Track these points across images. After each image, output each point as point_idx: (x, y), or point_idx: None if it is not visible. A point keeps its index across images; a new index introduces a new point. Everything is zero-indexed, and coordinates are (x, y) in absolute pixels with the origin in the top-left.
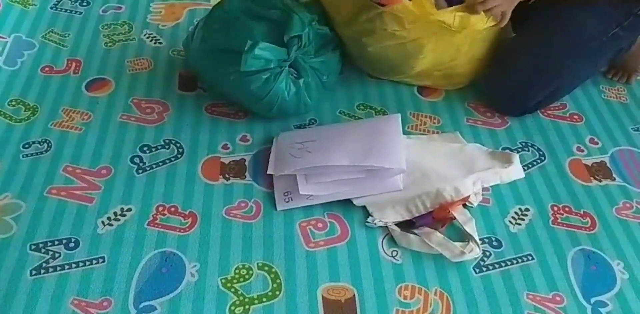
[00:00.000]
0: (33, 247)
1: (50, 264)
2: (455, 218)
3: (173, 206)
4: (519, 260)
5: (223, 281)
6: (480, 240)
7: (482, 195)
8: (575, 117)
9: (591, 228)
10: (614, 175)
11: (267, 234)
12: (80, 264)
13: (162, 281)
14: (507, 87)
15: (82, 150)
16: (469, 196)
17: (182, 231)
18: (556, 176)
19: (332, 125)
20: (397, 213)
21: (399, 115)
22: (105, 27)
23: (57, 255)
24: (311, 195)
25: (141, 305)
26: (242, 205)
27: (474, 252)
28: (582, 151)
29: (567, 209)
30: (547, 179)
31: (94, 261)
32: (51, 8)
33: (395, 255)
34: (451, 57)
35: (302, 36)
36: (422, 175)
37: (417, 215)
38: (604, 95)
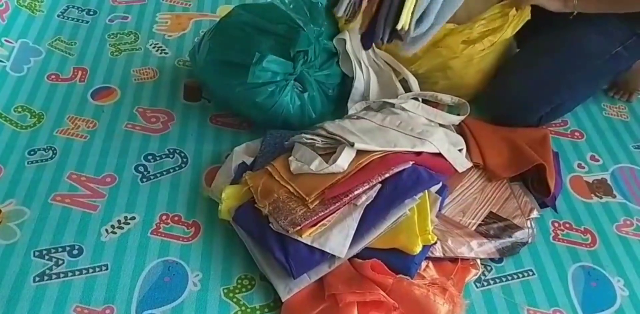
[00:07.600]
0: (37, 254)
1: (54, 271)
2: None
3: (177, 216)
4: (520, 275)
5: (225, 291)
6: None
7: None
8: (577, 133)
9: (592, 245)
10: (614, 192)
11: None
12: (84, 271)
13: (165, 290)
14: (508, 102)
15: (87, 158)
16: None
17: (185, 240)
18: None
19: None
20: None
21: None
22: (112, 36)
23: (60, 262)
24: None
25: (143, 313)
26: None
27: None
28: (583, 168)
29: (567, 225)
30: None
31: (97, 269)
32: (58, 16)
33: None
34: (463, 65)
35: (309, 51)
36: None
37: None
38: (605, 113)
